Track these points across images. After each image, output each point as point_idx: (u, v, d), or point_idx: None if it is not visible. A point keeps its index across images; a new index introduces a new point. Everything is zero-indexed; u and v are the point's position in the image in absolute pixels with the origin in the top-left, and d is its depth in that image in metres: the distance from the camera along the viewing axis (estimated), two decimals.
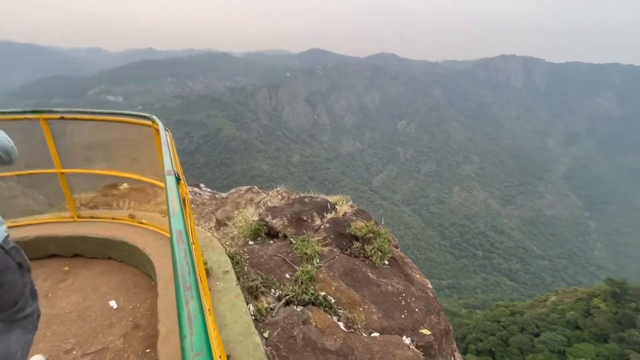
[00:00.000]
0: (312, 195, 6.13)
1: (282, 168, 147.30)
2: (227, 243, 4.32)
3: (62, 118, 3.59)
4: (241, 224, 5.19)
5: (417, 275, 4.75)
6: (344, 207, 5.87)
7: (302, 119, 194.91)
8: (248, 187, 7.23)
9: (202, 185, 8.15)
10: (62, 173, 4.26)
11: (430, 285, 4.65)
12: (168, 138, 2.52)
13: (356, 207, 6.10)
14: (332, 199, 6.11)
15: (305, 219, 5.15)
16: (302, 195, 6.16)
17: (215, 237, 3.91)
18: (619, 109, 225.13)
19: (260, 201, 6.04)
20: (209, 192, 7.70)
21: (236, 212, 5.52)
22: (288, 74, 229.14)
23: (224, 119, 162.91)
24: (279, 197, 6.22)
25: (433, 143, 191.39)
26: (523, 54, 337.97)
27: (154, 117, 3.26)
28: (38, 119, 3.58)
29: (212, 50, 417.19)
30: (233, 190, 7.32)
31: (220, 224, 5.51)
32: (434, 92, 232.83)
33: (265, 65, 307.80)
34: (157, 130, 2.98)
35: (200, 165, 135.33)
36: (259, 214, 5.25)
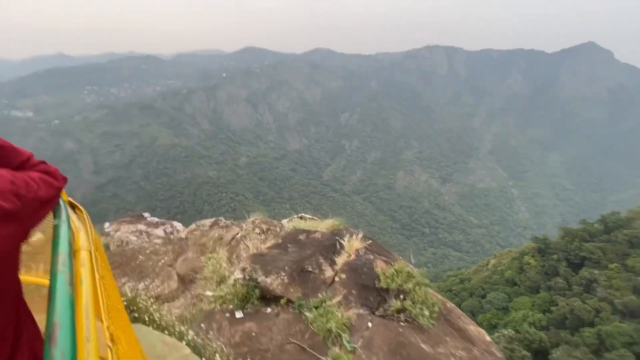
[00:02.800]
0: (306, 228, 4.72)
1: (229, 172, 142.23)
2: (202, 325, 3.12)
3: None
4: (217, 284, 3.87)
5: (471, 327, 3.74)
6: (354, 243, 4.42)
7: (245, 120, 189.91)
8: (212, 220, 5.31)
9: (146, 215, 6.16)
10: None
11: (488, 338, 3.73)
12: None
13: (369, 240, 4.63)
14: (325, 225, 4.85)
15: (310, 269, 3.85)
16: (289, 227, 4.72)
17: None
18: (527, 89, 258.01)
19: (233, 239, 4.47)
20: (160, 230, 5.58)
21: (204, 259, 4.00)
22: (224, 75, 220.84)
23: (158, 126, 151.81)
24: (257, 230, 4.66)
25: (375, 132, 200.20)
26: (445, 44, 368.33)
27: None
28: None
29: (135, 53, 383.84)
30: (193, 226, 5.44)
31: (184, 281, 3.90)
32: (371, 84, 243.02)
33: (198, 67, 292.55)
34: None
35: (138, 178, 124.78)
36: (244, 270, 3.79)
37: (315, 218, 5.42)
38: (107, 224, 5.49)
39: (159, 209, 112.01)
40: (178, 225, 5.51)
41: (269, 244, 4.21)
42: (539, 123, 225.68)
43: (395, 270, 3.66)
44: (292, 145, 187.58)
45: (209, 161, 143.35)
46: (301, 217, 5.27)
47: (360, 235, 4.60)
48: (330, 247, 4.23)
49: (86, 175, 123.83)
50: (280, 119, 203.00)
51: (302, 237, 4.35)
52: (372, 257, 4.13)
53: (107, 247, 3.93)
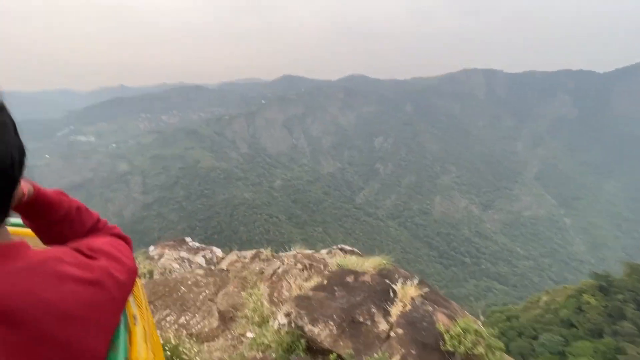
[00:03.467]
0: (354, 268, 4.30)
1: (264, 194, 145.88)
2: None
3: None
4: (258, 325, 3.59)
5: None
6: (409, 290, 4.02)
7: (281, 144, 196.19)
8: (253, 252, 5.23)
9: (188, 240, 6.21)
10: None
11: None
12: None
13: (425, 287, 4.21)
14: (371, 263, 4.45)
15: (362, 320, 3.48)
16: (332, 263, 4.35)
17: None
18: (575, 111, 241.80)
19: (274, 274, 4.25)
20: (201, 258, 5.49)
21: (244, 295, 3.81)
22: (263, 101, 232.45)
23: (201, 150, 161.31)
24: (300, 266, 4.44)
25: (410, 156, 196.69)
26: (483, 67, 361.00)
27: None
28: None
29: (184, 83, 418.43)
30: (233, 256, 5.39)
31: (225, 318, 3.73)
32: (406, 108, 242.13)
33: (239, 95, 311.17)
34: None
35: (180, 198, 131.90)
36: (288, 315, 3.49)
37: (356, 250, 5.15)
38: (152, 247, 5.79)
39: (197, 228, 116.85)
40: (217, 250, 5.59)
41: (313, 282, 3.94)
42: (591, 147, 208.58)
43: (462, 329, 3.05)
44: (326, 169, 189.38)
45: (245, 183, 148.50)
46: (341, 249, 5.03)
47: (415, 281, 4.20)
48: (382, 293, 3.87)
49: (135, 195, 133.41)
50: (315, 143, 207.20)
51: (349, 279, 3.99)
52: (430, 308, 3.71)
53: (150, 274, 4.09)
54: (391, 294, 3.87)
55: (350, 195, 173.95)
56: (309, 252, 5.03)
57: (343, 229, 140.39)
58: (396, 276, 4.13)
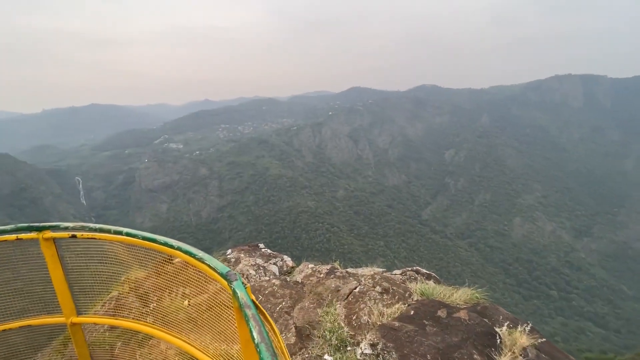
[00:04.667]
0: (443, 300, 3.85)
1: (327, 203, 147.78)
2: None
3: (74, 237, 2.56)
4: (335, 348, 3.32)
5: None
6: (518, 338, 3.29)
7: (346, 154, 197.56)
8: (328, 267, 4.91)
9: (261, 246, 6.31)
10: (73, 323, 2.79)
11: None
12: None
13: (539, 337, 3.47)
14: (461, 296, 3.95)
15: None
16: (415, 290, 3.90)
17: None
18: None
19: (350, 293, 3.98)
20: (274, 266, 5.40)
21: (320, 312, 3.69)
22: (330, 113, 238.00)
23: (270, 158, 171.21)
24: (379, 289, 4.03)
25: (485, 172, 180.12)
26: (580, 72, 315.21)
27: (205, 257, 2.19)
28: (37, 239, 2.54)
29: (259, 97, 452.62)
30: (308, 269, 5.13)
31: (301, 335, 3.61)
32: (482, 120, 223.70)
33: (308, 106, 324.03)
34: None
35: (250, 203, 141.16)
36: (374, 346, 3.18)
37: (434, 274, 4.63)
38: (229, 251, 6.15)
39: (263, 232, 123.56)
40: (288, 259, 5.65)
41: (395, 309, 3.57)
42: None
43: None
44: (391, 181, 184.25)
45: (309, 192, 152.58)
46: (417, 272, 4.60)
47: (527, 327, 3.50)
48: (484, 336, 3.25)
49: (212, 197, 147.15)
50: (380, 155, 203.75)
51: (441, 313, 3.50)
52: None
53: None
54: (496, 340, 3.27)
55: (415, 210, 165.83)
56: (386, 273, 4.57)
57: (406, 245, 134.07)
58: (500, 318, 3.51)
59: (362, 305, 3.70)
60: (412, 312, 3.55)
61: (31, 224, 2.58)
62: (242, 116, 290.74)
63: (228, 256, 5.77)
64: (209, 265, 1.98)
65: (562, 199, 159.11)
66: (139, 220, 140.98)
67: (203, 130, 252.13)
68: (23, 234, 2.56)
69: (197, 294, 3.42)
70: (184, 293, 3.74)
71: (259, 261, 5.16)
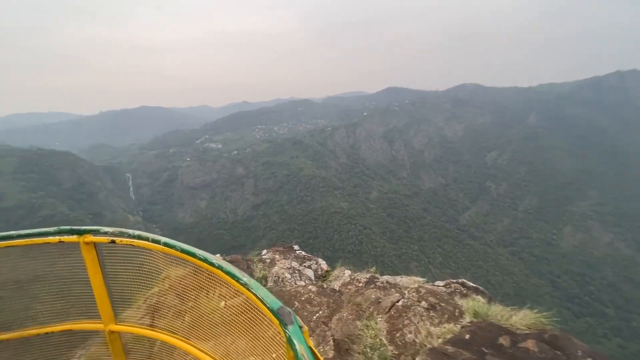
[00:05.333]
0: (501, 322, 3.35)
1: (360, 205, 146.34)
2: None
3: (113, 242, 2.47)
4: None
5: None
6: None
7: (380, 155, 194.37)
8: (368, 276, 4.53)
9: (295, 247, 6.14)
10: (112, 331, 2.69)
11: None
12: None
13: None
14: (523, 319, 3.43)
15: None
16: (467, 308, 3.45)
17: None
18: None
19: (392, 307, 3.59)
20: (309, 270, 5.13)
21: (360, 325, 3.34)
22: (365, 113, 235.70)
23: (304, 159, 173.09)
24: (424, 304, 3.55)
25: (531, 176, 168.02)
26: None
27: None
28: (78, 242, 2.52)
29: (294, 98, 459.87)
30: (345, 276, 4.88)
31: (340, 349, 3.27)
32: (529, 120, 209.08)
33: (342, 107, 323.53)
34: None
35: (284, 202, 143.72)
36: None
37: (481, 288, 4.11)
38: (264, 251, 6.17)
39: (296, 231, 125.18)
40: (322, 262, 5.51)
41: (444, 330, 3.13)
42: None
43: None
44: (427, 184, 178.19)
45: (342, 193, 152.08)
46: (462, 284, 4.13)
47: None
48: None
49: (247, 195, 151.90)
50: (416, 156, 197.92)
51: (503, 341, 3.05)
52: None
53: (265, 280, 4.22)
54: None
55: (453, 214, 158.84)
56: (428, 284, 4.06)
57: (442, 250, 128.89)
58: (577, 352, 2.87)
59: (406, 321, 3.31)
60: (467, 336, 3.13)
61: (73, 227, 2.54)
62: (278, 117, 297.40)
63: (263, 257, 5.78)
64: (256, 296, 1.70)
65: (623, 208, 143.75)
66: (181, 216, 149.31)
67: (241, 131, 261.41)
68: (65, 237, 2.53)
69: (234, 295, 3.38)
70: (221, 293, 3.78)
71: (294, 264, 5.01)
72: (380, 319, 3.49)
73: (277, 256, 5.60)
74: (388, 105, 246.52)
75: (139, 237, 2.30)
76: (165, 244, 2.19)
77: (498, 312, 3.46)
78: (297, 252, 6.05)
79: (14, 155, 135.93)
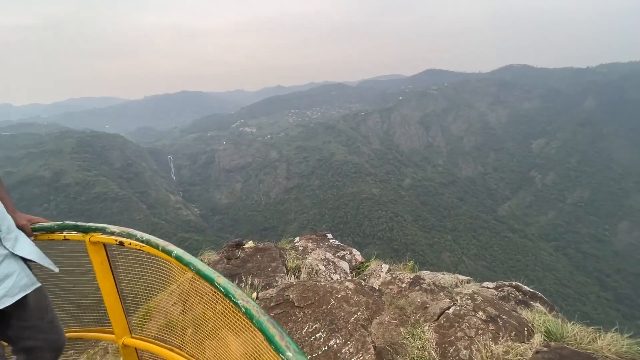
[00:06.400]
0: (584, 348, 2.73)
1: (392, 192, 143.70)
2: None
3: (121, 244, 2.10)
4: None
5: None
6: None
7: (415, 142, 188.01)
8: (411, 276, 4.00)
9: (329, 236, 5.79)
10: (125, 345, 2.35)
11: None
12: None
13: None
14: (609, 343, 2.85)
15: None
16: (538, 325, 2.94)
17: None
18: None
19: (442, 314, 3.12)
20: (344, 263, 4.70)
21: (404, 332, 2.97)
22: (400, 97, 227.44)
23: (337, 144, 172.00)
24: (482, 315, 2.99)
25: (584, 166, 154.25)
26: None
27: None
28: (83, 241, 2.18)
29: (328, 82, 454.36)
30: (384, 273, 4.25)
31: (381, 358, 2.90)
32: (585, 104, 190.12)
33: (377, 91, 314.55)
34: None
35: (315, 187, 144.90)
36: None
37: (539, 294, 3.52)
38: (297, 239, 6.10)
39: (326, 216, 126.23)
40: (357, 253, 5.29)
41: (508, 348, 2.56)
42: None
43: None
44: (464, 172, 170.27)
45: (374, 179, 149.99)
46: (517, 288, 3.64)
47: None
48: None
49: (280, 179, 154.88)
50: (454, 143, 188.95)
51: None
52: None
53: (298, 270, 4.10)
54: None
55: (491, 204, 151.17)
56: (491, 297, 3.38)
57: (477, 242, 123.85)
58: None
59: (459, 334, 2.83)
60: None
61: (77, 223, 2.19)
62: (311, 101, 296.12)
63: (296, 244, 5.70)
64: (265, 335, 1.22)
65: None
66: (217, 197, 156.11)
67: (274, 115, 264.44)
68: (70, 234, 2.23)
69: (266, 287, 3.27)
70: (253, 283, 3.74)
71: (329, 255, 4.72)
72: (427, 328, 3.06)
73: (309, 244, 5.48)
74: (425, 88, 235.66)
75: (148, 243, 1.94)
76: (177, 257, 1.77)
77: (576, 333, 2.78)
78: (331, 240, 5.88)
79: (72, 137, 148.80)
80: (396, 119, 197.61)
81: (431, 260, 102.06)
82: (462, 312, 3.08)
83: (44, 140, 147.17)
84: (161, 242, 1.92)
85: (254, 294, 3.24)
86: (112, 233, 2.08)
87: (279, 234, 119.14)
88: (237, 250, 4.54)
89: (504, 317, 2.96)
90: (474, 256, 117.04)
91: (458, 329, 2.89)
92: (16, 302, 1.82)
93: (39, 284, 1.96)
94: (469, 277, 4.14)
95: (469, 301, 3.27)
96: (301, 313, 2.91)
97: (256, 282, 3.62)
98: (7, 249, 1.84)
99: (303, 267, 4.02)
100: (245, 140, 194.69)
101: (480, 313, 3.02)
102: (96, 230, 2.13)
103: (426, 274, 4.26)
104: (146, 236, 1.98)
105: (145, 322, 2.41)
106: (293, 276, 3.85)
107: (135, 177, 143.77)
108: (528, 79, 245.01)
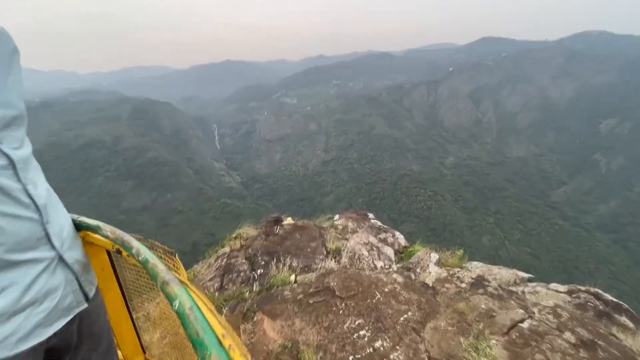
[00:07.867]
0: None
1: (433, 169, 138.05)
2: None
3: (119, 252, 1.43)
4: None
5: None
6: None
7: (462, 117, 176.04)
8: (474, 276, 3.46)
9: (370, 216, 5.39)
10: None
11: None
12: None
13: None
14: None
15: None
16: (629, 345, 2.58)
17: None
18: None
19: (514, 327, 2.65)
20: (389, 249, 4.21)
21: (464, 344, 2.60)
22: (451, 69, 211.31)
23: (377, 117, 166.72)
24: (571, 337, 2.46)
25: None
26: None
27: None
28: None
29: (372, 51, 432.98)
30: (433, 264, 3.68)
31: None
32: None
33: (426, 62, 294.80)
34: None
35: (353, 160, 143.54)
36: None
37: (625, 305, 2.81)
38: (337, 216, 5.88)
39: (363, 190, 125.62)
40: (400, 237, 4.92)
41: None
42: None
43: None
44: (515, 152, 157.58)
45: (415, 155, 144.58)
46: (597, 297, 2.87)
47: None
48: None
49: (318, 152, 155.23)
50: (506, 119, 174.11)
51: None
52: None
53: (338, 253, 3.90)
54: None
55: (543, 188, 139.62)
56: (578, 314, 2.75)
57: (522, 227, 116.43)
58: None
59: (538, 356, 2.28)
60: None
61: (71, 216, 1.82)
62: (354, 72, 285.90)
63: (336, 222, 5.49)
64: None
65: None
66: (258, 166, 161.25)
67: (315, 86, 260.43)
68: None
69: (305, 270, 3.21)
70: (292, 265, 3.61)
71: (372, 239, 4.30)
72: (495, 342, 2.49)
73: (350, 224, 5.24)
74: (480, 59, 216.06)
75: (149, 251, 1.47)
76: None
77: None
78: (372, 221, 5.58)
79: (128, 104, 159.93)
80: (444, 92, 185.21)
81: (469, 242, 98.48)
82: (541, 329, 2.51)
83: (103, 106, 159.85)
84: (168, 278, 1.26)
85: (292, 277, 3.09)
86: (107, 236, 1.42)
87: (315, 205, 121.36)
88: (275, 227, 4.43)
89: (600, 342, 2.33)
90: (516, 242, 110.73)
91: (536, 349, 2.33)
92: (60, 329, 1.15)
93: (85, 305, 1.26)
94: (530, 275, 3.64)
95: (550, 316, 2.68)
96: (343, 304, 2.61)
97: (295, 263, 3.44)
98: (56, 249, 1.15)
99: (344, 250, 3.78)
100: (286, 111, 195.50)
101: (567, 334, 2.41)
102: (90, 228, 1.45)
103: (478, 266, 3.81)
104: (142, 249, 1.39)
105: (163, 338, 1.92)
106: (333, 260, 3.63)
107: (182, 144, 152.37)
108: (604, 47, 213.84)
